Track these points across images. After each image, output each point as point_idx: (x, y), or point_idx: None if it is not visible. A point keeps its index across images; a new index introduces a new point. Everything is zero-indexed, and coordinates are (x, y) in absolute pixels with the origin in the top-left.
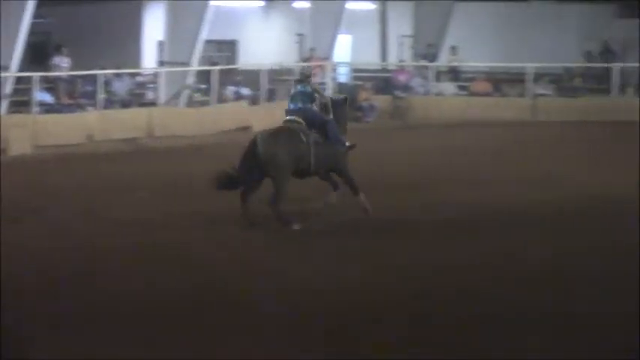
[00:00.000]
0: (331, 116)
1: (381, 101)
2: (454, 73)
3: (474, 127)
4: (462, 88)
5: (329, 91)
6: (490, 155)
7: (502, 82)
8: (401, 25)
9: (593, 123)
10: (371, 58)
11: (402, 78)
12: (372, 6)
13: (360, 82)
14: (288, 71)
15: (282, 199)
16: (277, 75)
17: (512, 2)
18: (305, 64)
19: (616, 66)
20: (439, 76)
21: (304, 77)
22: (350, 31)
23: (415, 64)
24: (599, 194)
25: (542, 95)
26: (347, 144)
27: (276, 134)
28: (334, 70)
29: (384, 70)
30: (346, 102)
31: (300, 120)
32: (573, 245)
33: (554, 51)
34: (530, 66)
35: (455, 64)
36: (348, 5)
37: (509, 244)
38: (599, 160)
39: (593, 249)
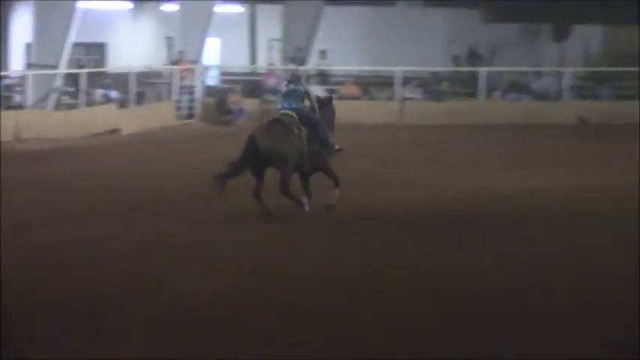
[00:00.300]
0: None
1: (250, 104)
2: (323, 77)
3: (343, 129)
4: (331, 91)
5: (199, 95)
6: (354, 158)
7: (371, 85)
8: (270, 28)
9: (460, 126)
10: (240, 62)
11: (271, 81)
12: (240, 9)
13: (229, 86)
14: (157, 74)
15: (289, 183)
16: (146, 78)
17: (380, 6)
18: (174, 66)
19: (482, 70)
20: (308, 79)
21: (296, 78)
22: (219, 35)
23: (284, 67)
24: (452, 197)
25: (410, 99)
26: (336, 147)
27: (272, 127)
28: (203, 73)
29: (254, 73)
30: (331, 101)
31: (293, 115)
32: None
33: (422, 55)
34: (398, 70)
35: (324, 67)
36: (217, 8)
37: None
38: (459, 163)
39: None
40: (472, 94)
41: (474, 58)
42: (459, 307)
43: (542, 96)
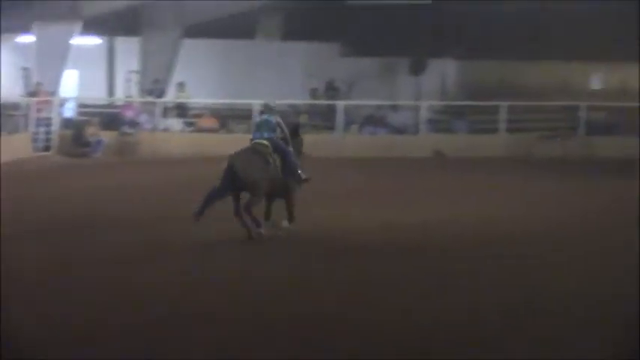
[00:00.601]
0: (291, 148)
1: (108, 136)
2: (181, 110)
3: (201, 162)
4: (189, 124)
5: (56, 127)
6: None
7: (229, 118)
8: (128, 60)
9: (317, 159)
10: (98, 94)
11: (129, 113)
12: (99, 41)
13: (86, 118)
14: (14, 106)
15: (254, 206)
16: (3, 109)
17: (239, 40)
18: (31, 98)
19: (340, 103)
20: (166, 112)
21: (269, 109)
22: (77, 67)
23: (142, 99)
24: (305, 229)
25: None
26: (303, 177)
27: (249, 157)
28: (61, 105)
29: (111, 105)
30: (299, 127)
31: (267, 144)
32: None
33: (281, 88)
34: (256, 102)
35: (182, 100)
36: (75, 40)
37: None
38: (314, 195)
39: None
40: (330, 127)
41: (331, 91)
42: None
43: (400, 129)
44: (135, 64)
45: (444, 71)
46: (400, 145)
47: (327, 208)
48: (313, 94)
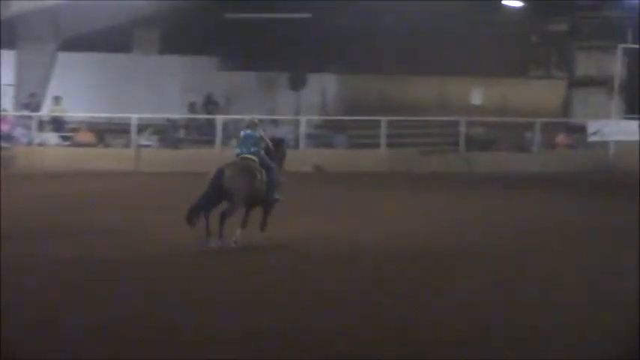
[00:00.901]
0: (273, 163)
1: None
2: (57, 123)
3: (76, 177)
4: (65, 138)
5: None
6: (83, 205)
7: (106, 132)
8: (3, 74)
9: (196, 174)
10: None
11: (4, 127)
12: None
13: None
14: None
15: (230, 216)
16: None
17: (116, 53)
18: None
19: (219, 118)
20: (42, 125)
21: (253, 124)
22: None
23: (17, 113)
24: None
25: (146, 146)
26: (276, 197)
27: (240, 169)
28: None
29: None
30: (284, 142)
31: (255, 159)
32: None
33: (158, 102)
34: (134, 117)
35: (58, 113)
36: None
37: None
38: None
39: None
40: (209, 142)
41: (210, 105)
42: None
43: None
44: (10, 78)
45: (324, 86)
46: None
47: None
48: (192, 108)
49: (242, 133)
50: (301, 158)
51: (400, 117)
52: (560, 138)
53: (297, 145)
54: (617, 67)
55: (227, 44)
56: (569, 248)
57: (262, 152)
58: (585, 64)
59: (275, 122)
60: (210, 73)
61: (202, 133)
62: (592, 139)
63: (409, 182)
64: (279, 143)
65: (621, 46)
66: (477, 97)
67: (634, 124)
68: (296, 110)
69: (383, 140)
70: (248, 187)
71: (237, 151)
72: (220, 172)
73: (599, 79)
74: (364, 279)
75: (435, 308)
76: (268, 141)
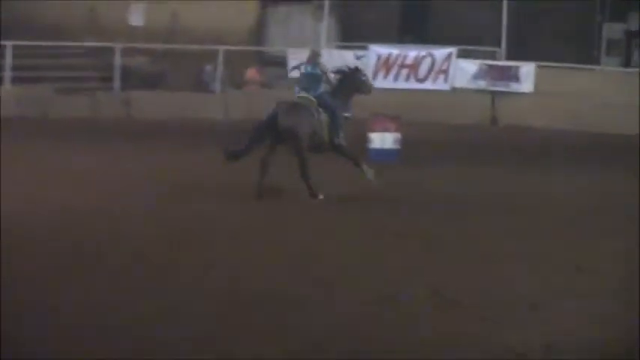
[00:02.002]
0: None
1: None
2: None
3: None
4: None
5: None
6: None
7: None
8: None
9: None
10: None
11: None
12: None
13: None
14: None
15: (306, 168)
16: None
17: None
18: None
19: None
20: None
21: (315, 57)
22: None
23: None
24: None
25: None
26: (346, 114)
27: (295, 107)
28: None
29: None
30: (357, 71)
31: (312, 99)
32: None
33: None
34: None
35: None
36: None
37: None
38: None
39: None
40: None
41: None
42: None
43: None
44: None
45: None
46: None
47: None
48: None
49: (302, 69)
50: None
51: (31, 42)
52: (252, 73)
53: None
54: None
55: None
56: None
57: (323, 92)
58: None
59: None
60: None
61: None
62: (294, 75)
63: (44, 130)
64: (350, 74)
65: None
66: (137, 17)
67: (349, 55)
68: None
69: (7, 74)
70: (304, 124)
71: (296, 90)
72: (275, 109)
73: None
74: None
75: None
76: (332, 80)
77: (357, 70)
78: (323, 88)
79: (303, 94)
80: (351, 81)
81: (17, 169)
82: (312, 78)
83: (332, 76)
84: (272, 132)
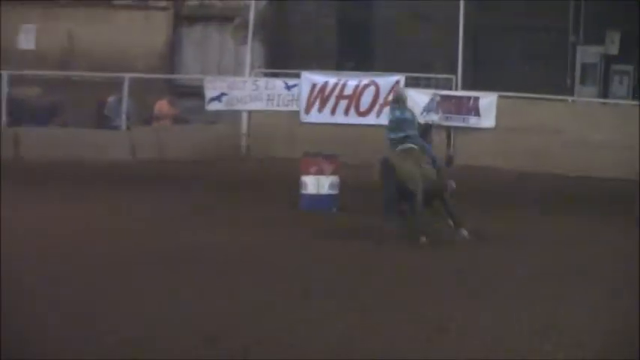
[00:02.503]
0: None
1: None
2: None
3: None
4: None
5: None
6: None
7: None
8: None
9: None
10: None
11: None
12: None
13: None
14: None
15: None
16: None
17: None
18: None
19: None
20: None
21: (401, 100)
22: None
23: None
24: None
25: None
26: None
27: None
28: None
29: None
30: (431, 128)
31: (420, 148)
32: None
33: None
34: None
35: None
36: None
37: None
38: None
39: None
40: None
41: None
42: None
43: None
44: None
45: None
46: None
47: None
48: None
49: (394, 113)
50: None
51: None
52: (162, 105)
53: None
54: None
55: None
56: None
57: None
58: None
59: None
60: None
61: None
62: (212, 107)
63: None
64: (427, 129)
65: None
66: (27, 39)
67: (278, 83)
68: None
69: None
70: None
71: (393, 136)
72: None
73: (225, 12)
74: None
75: None
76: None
77: (430, 127)
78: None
79: (409, 144)
80: (425, 135)
81: None
82: (407, 124)
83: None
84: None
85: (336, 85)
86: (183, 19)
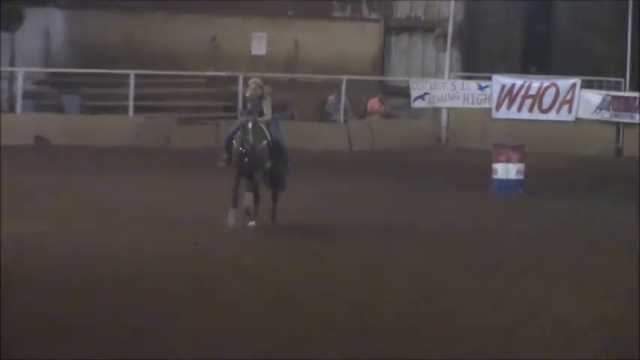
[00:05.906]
0: None
1: None
2: None
3: None
4: None
5: None
6: None
7: None
8: None
9: None
10: None
11: None
12: None
13: None
14: None
15: None
16: None
17: None
18: None
19: None
20: None
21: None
22: None
23: None
24: None
25: None
26: None
27: None
28: None
29: None
30: None
31: None
32: None
33: None
34: None
35: None
36: None
37: None
38: None
39: None
40: None
41: None
42: None
43: None
44: None
45: (47, 25)
46: None
47: None
48: None
49: None
50: (19, 126)
51: (154, 71)
52: (374, 103)
53: (13, 108)
54: (451, 6)
55: None
56: None
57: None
58: (408, 3)
59: None
60: None
61: None
62: (417, 105)
63: (164, 162)
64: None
65: None
66: (259, 46)
67: (472, 85)
68: (11, 60)
69: (131, 103)
70: None
71: None
72: None
73: (427, 24)
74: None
75: None
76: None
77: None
78: None
79: None
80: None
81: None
82: None
83: None
84: None
85: (522, 86)
86: (391, 29)
